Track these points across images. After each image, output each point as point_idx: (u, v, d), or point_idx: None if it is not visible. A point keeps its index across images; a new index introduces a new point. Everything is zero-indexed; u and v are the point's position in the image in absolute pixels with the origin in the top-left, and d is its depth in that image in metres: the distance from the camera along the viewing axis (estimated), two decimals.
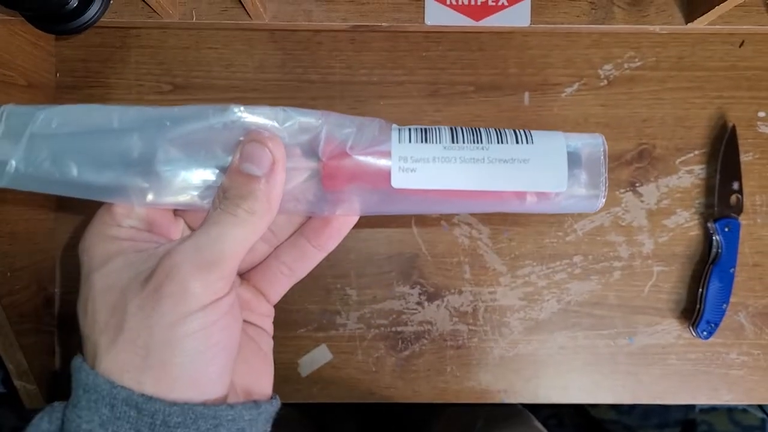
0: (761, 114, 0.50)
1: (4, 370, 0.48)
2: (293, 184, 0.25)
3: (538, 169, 0.27)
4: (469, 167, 0.26)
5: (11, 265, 0.45)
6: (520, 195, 0.27)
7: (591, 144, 0.28)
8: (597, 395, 0.50)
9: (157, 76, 0.50)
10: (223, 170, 0.25)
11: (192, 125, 0.24)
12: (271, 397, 0.28)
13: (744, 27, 0.47)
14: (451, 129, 0.27)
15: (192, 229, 0.28)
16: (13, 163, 0.24)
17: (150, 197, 0.25)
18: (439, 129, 0.27)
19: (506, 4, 0.46)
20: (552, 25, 0.46)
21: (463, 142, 0.27)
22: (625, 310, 0.50)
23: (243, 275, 0.31)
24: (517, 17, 0.46)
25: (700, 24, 0.46)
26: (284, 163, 0.24)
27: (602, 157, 0.28)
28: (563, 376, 0.50)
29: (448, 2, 0.46)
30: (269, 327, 0.32)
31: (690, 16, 0.46)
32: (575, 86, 0.50)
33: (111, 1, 0.44)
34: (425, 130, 0.27)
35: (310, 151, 0.25)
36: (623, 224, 0.50)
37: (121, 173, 0.25)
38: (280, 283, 0.31)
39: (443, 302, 0.50)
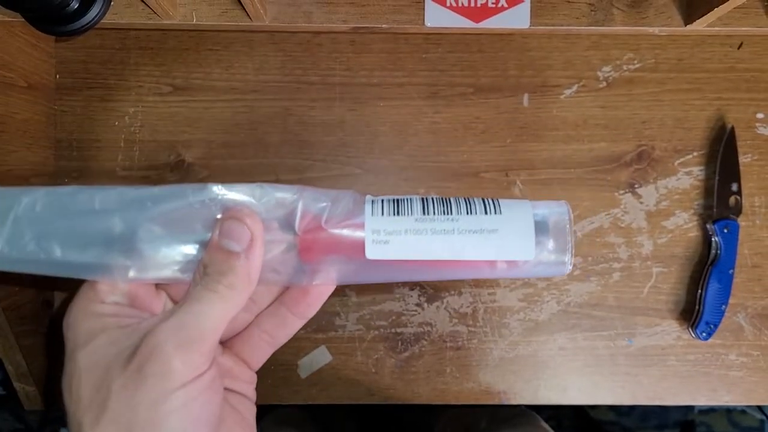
0: (760, 115, 0.50)
1: (3, 372, 0.48)
2: (271, 256, 0.26)
3: (506, 239, 0.28)
4: (441, 238, 0.27)
5: None
6: (491, 263, 0.28)
7: (557, 212, 0.29)
8: (596, 396, 0.50)
9: (157, 78, 0.50)
10: (203, 245, 0.25)
11: (171, 204, 0.25)
12: None
13: (743, 29, 0.47)
14: (422, 200, 0.28)
15: (174, 302, 0.28)
16: None
17: (132, 273, 0.26)
18: (410, 200, 0.28)
19: (506, 5, 0.46)
20: (551, 27, 0.46)
21: (434, 214, 0.28)
22: (625, 311, 0.50)
23: (224, 343, 0.31)
24: (517, 19, 0.46)
25: (699, 26, 0.46)
26: (262, 238, 0.25)
27: (568, 225, 0.29)
28: (563, 377, 0.50)
29: (447, 4, 0.46)
30: (252, 394, 0.32)
31: (689, 17, 0.46)
32: (574, 88, 0.50)
33: (111, 3, 0.44)
34: (397, 202, 0.28)
35: (287, 224, 0.26)
36: (622, 225, 0.50)
37: (103, 252, 0.25)
38: (262, 350, 0.31)
39: (443, 303, 0.50)
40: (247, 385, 0.31)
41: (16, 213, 0.25)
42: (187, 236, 0.25)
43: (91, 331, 0.24)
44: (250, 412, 0.31)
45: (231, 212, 0.24)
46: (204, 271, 0.25)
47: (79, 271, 0.26)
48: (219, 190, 0.25)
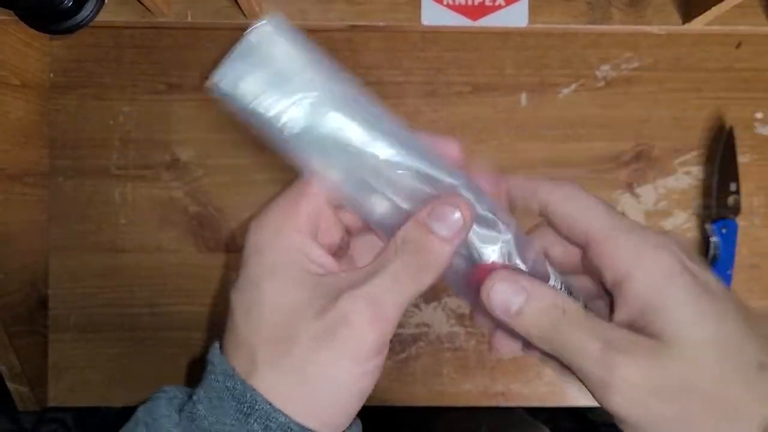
0: (758, 115, 0.50)
1: None
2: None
3: None
4: None
5: (4, 267, 0.45)
6: None
7: None
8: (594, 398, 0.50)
9: (151, 76, 0.49)
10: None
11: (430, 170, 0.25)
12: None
13: (741, 28, 0.47)
14: None
15: (350, 232, 0.28)
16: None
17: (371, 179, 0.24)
18: None
19: (503, 4, 0.45)
20: (549, 26, 0.46)
21: None
22: None
23: None
24: (515, 17, 0.46)
25: (698, 25, 0.45)
26: (468, 230, 0.24)
27: None
28: (561, 378, 0.50)
29: (444, 2, 0.45)
30: None
31: (687, 16, 0.46)
32: (573, 87, 0.50)
33: (105, 1, 0.43)
34: None
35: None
36: None
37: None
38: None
39: (440, 304, 0.50)
40: None
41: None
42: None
43: (280, 263, 0.24)
44: None
45: (449, 197, 0.24)
46: (402, 245, 0.24)
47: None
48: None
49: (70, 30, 0.41)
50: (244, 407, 0.23)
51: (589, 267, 0.27)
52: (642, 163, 0.50)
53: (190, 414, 0.24)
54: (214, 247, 0.50)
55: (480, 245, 0.25)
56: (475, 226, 0.25)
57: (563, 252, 0.28)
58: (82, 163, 0.50)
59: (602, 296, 0.28)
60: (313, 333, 0.23)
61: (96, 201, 0.50)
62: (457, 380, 0.50)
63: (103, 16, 0.44)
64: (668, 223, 0.50)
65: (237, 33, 0.51)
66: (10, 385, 0.47)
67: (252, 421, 0.23)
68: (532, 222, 0.29)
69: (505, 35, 0.49)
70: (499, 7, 0.45)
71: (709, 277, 0.25)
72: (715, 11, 0.43)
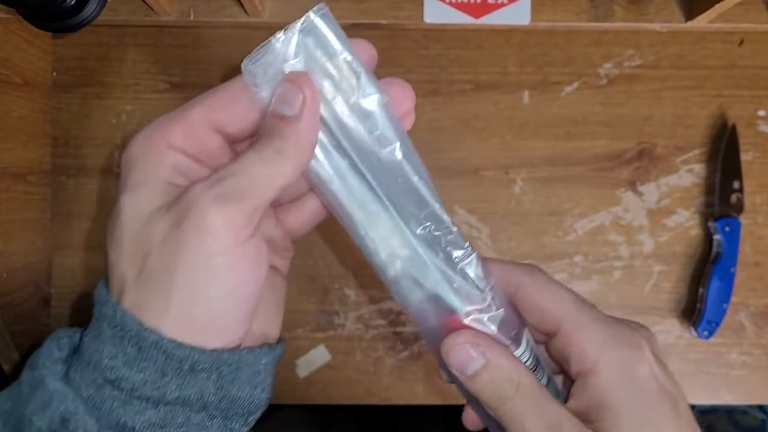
0: (761, 113, 0.50)
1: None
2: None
3: None
4: None
5: (7, 266, 0.45)
6: None
7: None
8: None
9: (153, 75, 0.49)
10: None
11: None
12: (279, 339, 0.28)
13: (744, 25, 0.47)
14: None
15: None
16: None
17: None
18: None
19: (506, 1, 0.45)
20: (552, 23, 0.46)
21: None
22: (626, 310, 0.50)
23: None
24: (517, 15, 0.46)
25: (700, 22, 0.45)
26: (317, 105, 0.23)
27: None
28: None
29: (447, 0, 0.45)
30: (286, 269, 0.30)
31: (690, 14, 0.46)
32: (575, 85, 0.50)
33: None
34: None
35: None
36: (623, 224, 0.50)
37: None
38: (309, 218, 0.29)
39: None
40: (285, 261, 0.29)
41: None
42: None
43: (144, 177, 0.23)
44: (283, 287, 0.29)
45: (288, 75, 0.23)
46: (256, 137, 0.23)
47: None
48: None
49: (73, 28, 0.41)
50: (117, 331, 0.22)
51: (555, 352, 0.27)
52: (644, 161, 0.50)
53: (77, 348, 0.23)
54: None
55: (456, 299, 0.25)
56: (456, 279, 0.25)
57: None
58: (85, 161, 0.50)
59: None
60: (162, 236, 0.21)
61: (98, 200, 0.50)
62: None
63: (105, 15, 0.44)
64: (671, 222, 0.50)
65: (239, 31, 0.51)
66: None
67: (126, 344, 0.22)
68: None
69: (507, 33, 0.49)
70: (502, 4, 0.45)
71: (671, 383, 0.25)
72: (717, 9, 0.43)
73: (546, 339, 0.28)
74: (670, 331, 0.50)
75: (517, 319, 0.27)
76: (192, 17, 0.45)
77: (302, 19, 0.23)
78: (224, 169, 0.22)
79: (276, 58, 0.23)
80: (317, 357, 0.49)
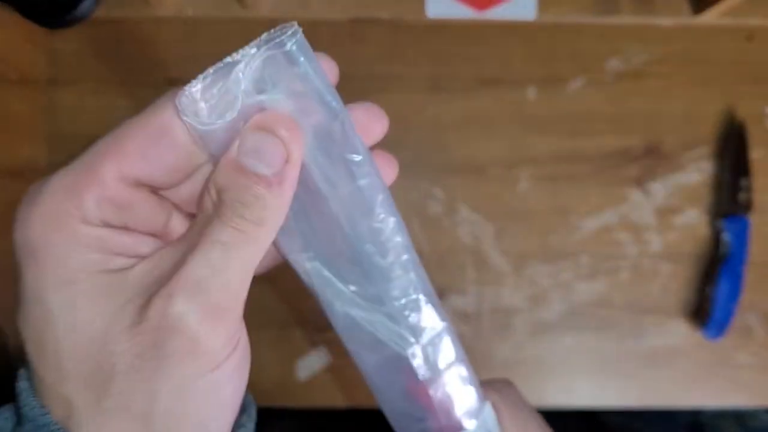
0: None
1: None
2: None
3: None
4: None
5: (2, 264, 0.44)
6: None
7: None
8: (603, 398, 0.49)
9: (150, 70, 0.49)
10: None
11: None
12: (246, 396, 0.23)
13: (752, 21, 0.46)
14: None
15: (181, 212, 0.21)
16: None
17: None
18: None
19: None
20: (558, 18, 0.45)
21: None
22: (633, 310, 0.49)
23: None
24: (523, 9, 0.45)
25: (708, 17, 0.45)
26: (301, 158, 0.19)
27: None
28: (569, 378, 0.49)
29: None
30: None
31: (698, 9, 0.45)
32: (581, 81, 0.49)
33: None
34: None
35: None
36: (630, 222, 0.49)
37: None
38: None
39: (446, 303, 0.49)
40: None
41: None
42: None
43: (66, 266, 0.17)
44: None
45: (260, 119, 0.18)
46: (219, 198, 0.18)
47: None
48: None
49: (69, 24, 0.41)
50: None
51: None
52: (652, 158, 0.49)
53: None
54: None
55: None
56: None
57: None
58: None
59: None
60: (131, 359, 0.17)
61: None
62: None
63: (101, 10, 0.43)
64: (679, 220, 0.49)
65: (238, 26, 0.50)
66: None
67: None
68: None
69: (512, 28, 0.49)
70: None
71: None
72: (726, 3, 0.42)
73: None
74: (678, 331, 0.49)
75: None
76: (189, 13, 0.45)
77: (269, 37, 0.18)
78: (202, 263, 0.17)
79: (235, 88, 0.18)
80: (317, 359, 0.49)
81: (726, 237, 0.47)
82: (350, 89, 0.52)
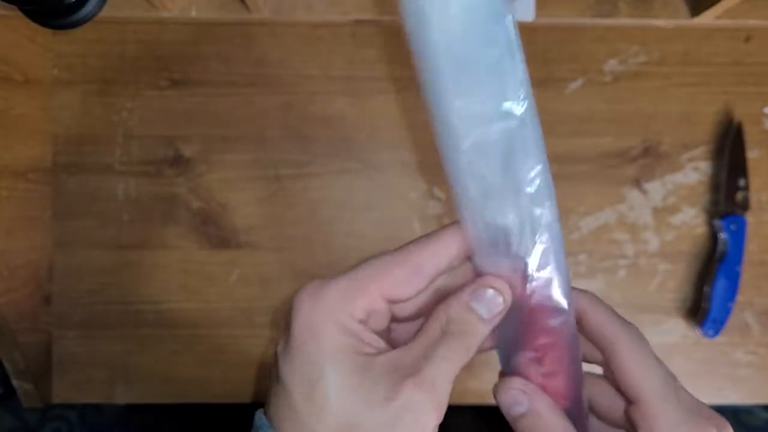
0: (767, 110, 0.49)
1: (1, 370, 0.47)
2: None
3: None
4: None
5: (8, 264, 0.45)
6: None
7: None
8: None
9: (154, 72, 0.49)
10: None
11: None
12: None
13: (750, 21, 0.46)
14: None
15: (397, 319, 0.28)
16: None
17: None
18: None
19: None
20: (556, 19, 0.46)
21: None
22: (631, 308, 0.49)
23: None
24: (521, 11, 0.45)
25: (706, 18, 0.45)
26: (505, 309, 0.26)
27: None
28: None
29: None
30: None
31: (696, 10, 0.45)
32: (579, 81, 0.49)
33: None
34: None
35: None
36: (628, 222, 0.49)
37: None
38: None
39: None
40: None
41: None
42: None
43: (337, 347, 0.24)
44: None
45: (489, 280, 0.25)
46: (447, 327, 0.25)
47: None
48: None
49: (74, 25, 0.41)
50: None
51: (630, 421, 0.27)
52: (650, 158, 0.49)
53: None
54: (217, 244, 0.50)
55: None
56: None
57: (608, 405, 0.29)
58: (85, 159, 0.49)
59: None
60: (379, 421, 0.23)
61: (99, 197, 0.50)
62: (464, 378, 0.49)
63: (106, 11, 0.43)
64: (676, 220, 0.49)
65: (241, 28, 0.51)
66: (15, 382, 0.47)
67: None
68: None
69: None
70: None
71: None
72: (723, 5, 0.42)
73: (623, 408, 0.28)
74: (675, 330, 0.49)
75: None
76: (193, 14, 0.45)
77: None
78: (432, 368, 0.24)
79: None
80: None
81: (723, 236, 0.48)
82: (352, 91, 0.52)
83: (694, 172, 0.49)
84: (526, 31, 0.49)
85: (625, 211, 0.49)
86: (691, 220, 0.49)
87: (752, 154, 0.49)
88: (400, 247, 0.26)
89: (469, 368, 0.49)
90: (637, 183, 0.49)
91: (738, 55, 0.49)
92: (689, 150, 0.49)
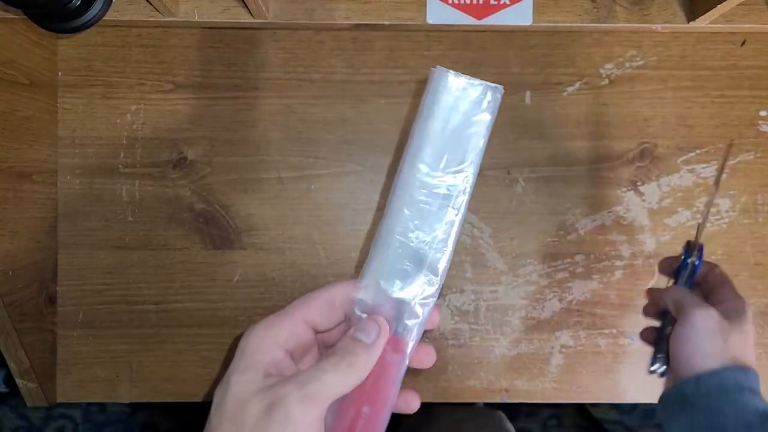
0: (763, 113, 0.50)
1: (6, 369, 0.48)
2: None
3: None
4: None
5: (13, 264, 0.45)
6: None
7: None
8: (598, 394, 0.50)
9: (158, 75, 0.50)
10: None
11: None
12: None
13: (746, 26, 0.47)
14: None
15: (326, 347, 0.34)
16: None
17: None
18: None
19: (508, 2, 0.46)
20: (554, 24, 0.46)
21: None
22: (627, 309, 0.50)
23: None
24: (519, 16, 0.46)
25: (702, 23, 0.46)
26: (385, 340, 0.31)
27: None
28: (564, 375, 0.50)
29: (450, 1, 0.46)
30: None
31: (692, 15, 0.46)
32: (577, 85, 0.50)
33: (113, 0, 0.44)
34: None
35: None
36: (625, 223, 0.50)
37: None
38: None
39: (445, 301, 0.50)
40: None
41: None
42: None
43: (251, 365, 0.29)
44: None
45: (370, 317, 0.31)
46: (333, 351, 0.30)
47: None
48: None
49: (79, 29, 0.41)
50: None
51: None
52: (646, 161, 0.50)
53: None
54: (220, 245, 0.50)
55: None
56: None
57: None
58: (90, 161, 0.50)
59: None
60: (255, 418, 0.28)
61: (103, 199, 0.50)
62: (462, 376, 0.50)
63: (110, 15, 0.44)
64: (672, 221, 0.50)
65: (244, 32, 0.51)
66: (19, 382, 0.48)
67: None
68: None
69: (509, 34, 0.50)
70: (504, 5, 0.46)
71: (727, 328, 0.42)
72: (719, 9, 0.43)
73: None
74: None
75: None
76: (197, 18, 0.46)
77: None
78: (309, 373, 0.29)
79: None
80: None
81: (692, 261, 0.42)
82: (352, 94, 0.53)
83: (690, 174, 0.50)
84: (524, 35, 0.50)
85: (622, 212, 0.50)
86: (687, 221, 0.50)
87: (747, 157, 0.50)
88: (322, 287, 0.32)
89: (469, 366, 0.50)
90: (633, 185, 0.50)
91: (733, 59, 0.50)
92: (685, 152, 0.50)
